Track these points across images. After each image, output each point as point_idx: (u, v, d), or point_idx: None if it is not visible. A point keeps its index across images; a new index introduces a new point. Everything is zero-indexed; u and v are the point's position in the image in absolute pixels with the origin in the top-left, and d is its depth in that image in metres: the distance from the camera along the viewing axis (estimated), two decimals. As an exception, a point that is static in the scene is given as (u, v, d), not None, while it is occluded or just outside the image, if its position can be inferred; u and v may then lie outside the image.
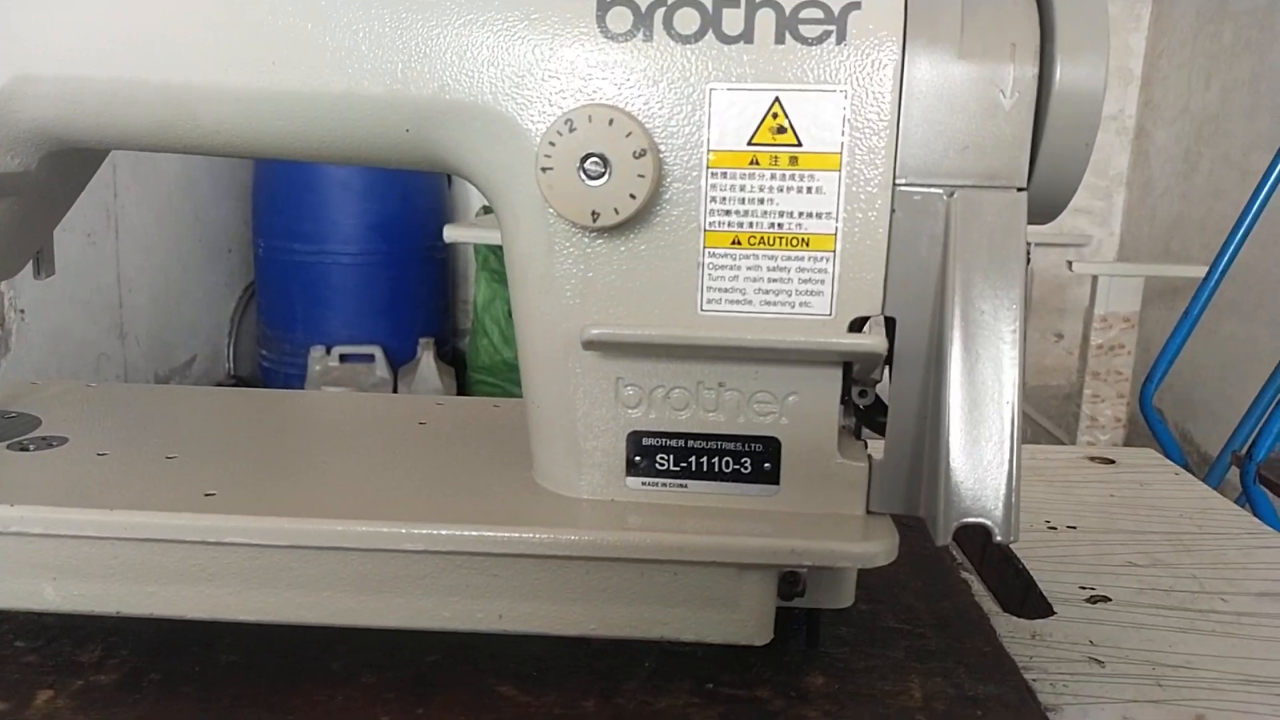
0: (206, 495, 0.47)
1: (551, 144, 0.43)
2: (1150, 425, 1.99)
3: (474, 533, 0.44)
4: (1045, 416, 3.10)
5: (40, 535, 0.45)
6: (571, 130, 0.43)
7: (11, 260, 0.55)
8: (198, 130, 0.47)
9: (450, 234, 2.45)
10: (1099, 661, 0.55)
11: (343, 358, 2.99)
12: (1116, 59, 3.39)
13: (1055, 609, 0.61)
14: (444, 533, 0.44)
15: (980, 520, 0.43)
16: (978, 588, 0.64)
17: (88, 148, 0.52)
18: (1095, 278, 2.67)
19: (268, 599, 0.46)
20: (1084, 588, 0.65)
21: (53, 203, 0.55)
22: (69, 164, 0.53)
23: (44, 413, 0.58)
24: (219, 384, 3.18)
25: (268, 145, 0.48)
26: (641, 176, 0.43)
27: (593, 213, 0.43)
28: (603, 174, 0.43)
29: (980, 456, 0.43)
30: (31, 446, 0.53)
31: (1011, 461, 0.43)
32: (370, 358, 3.01)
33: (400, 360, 3.09)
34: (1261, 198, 1.88)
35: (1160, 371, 1.96)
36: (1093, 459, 0.91)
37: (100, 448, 0.53)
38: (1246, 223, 1.90)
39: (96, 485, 0.48)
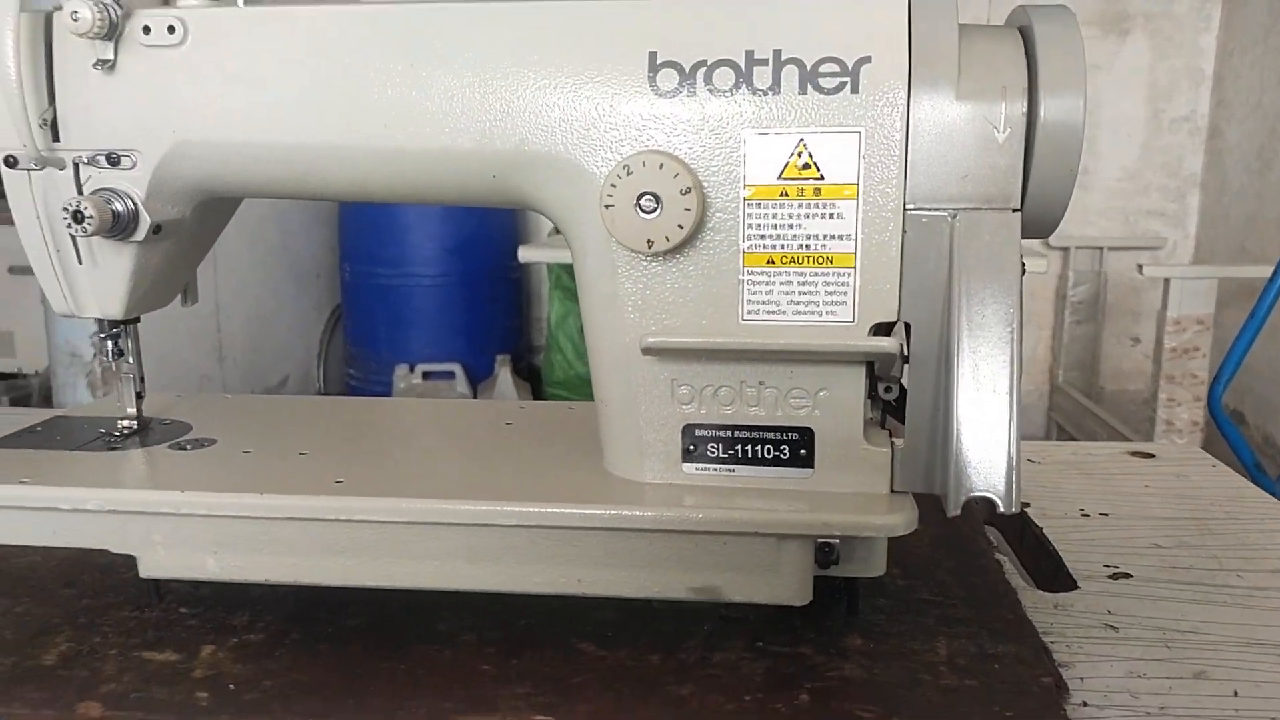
0: (337, 482, 0.57)
1: (613, 185, 0.52)
2: (1219, 425, 1.99)
3: (558, 509, 0.53)
4: (1123, 422, 3.06)
5: (205, 516, 0.56)
6: (629, 174, 0.51)
7: (167, 293, 0.66)
8: (322, 182, 0.57)
9: (525, 254, 2.56)
10: (1113, 627, 0.61)
11: (425, 375, 3.13)
12: (1186, 59, 3.36)
13: (1079, 583, 0.68)
14: (533, 509, 0.53)
15: (985, 494, 0.50)
16: (1009, 567, 0.71)
17: (230, 197, 0.63)
18: (1167, 281, 2.66)
19: (388, 568, 0.56)
20: (1108, 565, 0.71)
21: (199, 243, 0.66)
22: (213, 211, 0.64)
23: (192, 420, 0.69)
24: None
25: (378, 193, 0.58)
26: (688, 210, 0.51)
27: (648, 241, 0.52)
28: (655, 209, 0.52)
29: (984, 439, 0.50)
30: (188, 447, 0.64)
31: (1010, 443, 0.50)
32: (451, 374, 3.14)
33: (479, 376, 3.22)
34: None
35: (1228, 373, 1.96)
36: (1134, 453, 0.97)
37: (244, 447, 0.63)
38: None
39: (247, 476, 0.58)
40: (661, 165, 0.51)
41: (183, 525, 0.56)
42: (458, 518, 0.54)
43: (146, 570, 0.58)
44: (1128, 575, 0.69)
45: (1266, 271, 2.25)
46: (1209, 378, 2.55)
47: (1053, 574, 0.73)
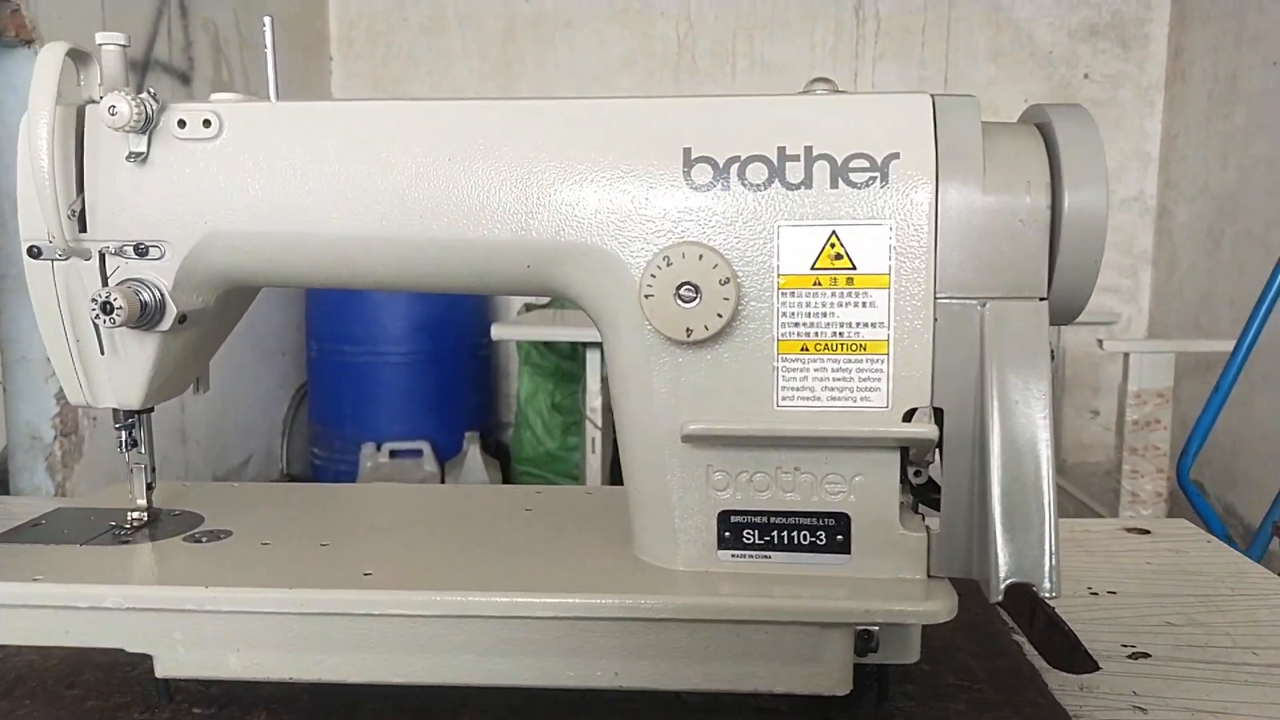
0: (365, 574, 0.56)
1: (653, 275, 0.52)
2: (1189, 498, 2.03)
3: (599, 600, 0.53)
4: (1086, 493, 3.10)
5: (230, 613, 0.54)
6: (668, 264, 0.52)
7: (182, 381, 0.65)
8: (354, 273, 0.58)
9: (498, 332, 2.57)
10: (1142, 709, 0.62)
11: (392, 453, 3.09)
12: (1133, 143, 3.51)
13: (1100, 664, 0.68)
14: (574, 600, 0.53)
15: (1027, 580, 0.51)
16: (1028, 649, 0.71)
17: (254, 285, 0.62)
18: (1127, 355, 2.72)
19: (417, 663, 0.55)
20: (1125, 645, 0.71)
21: (219, 332, 0.65)
22: (235, 299, 0.64)
23: (203, 510, 0.67)
24: (274, 482, 3.29)
25: (410, 282, 0.58)
26: (726, 299, 0.52)
27: (687, 330, 0.53)
28: (694, 298, 0.52)
29: (1023, 526, 0.51)
30: (204, 539, 0.62)
31: (1048, 529, 0.51)
32: (419, 452, 3.11)
33: (447, 454, 3.19)
34: (1283, 273, 1.95)
35: (1195, 446, 2.00)
36: (1129, 529, 0.98)
37: (262, 538, 0.62)
38: (1270, 297, 1.97)
39: (271, 570, 0.57)
40: (701, 256, 0.52)
41: (205, 622, 0.55)
42: (496, 610, 0.53)
43: (164, 670, 0.56)
44: (1146, 655, 0.70)
45: (1223, 345, 2.32)
46: (1170, 449, 2.60)
47: (1069, 654, 0.73)
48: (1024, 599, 0.83)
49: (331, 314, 3.13)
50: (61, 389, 0.60)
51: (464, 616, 0.54)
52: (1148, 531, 0.97)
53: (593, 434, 2.58)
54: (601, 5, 3.52)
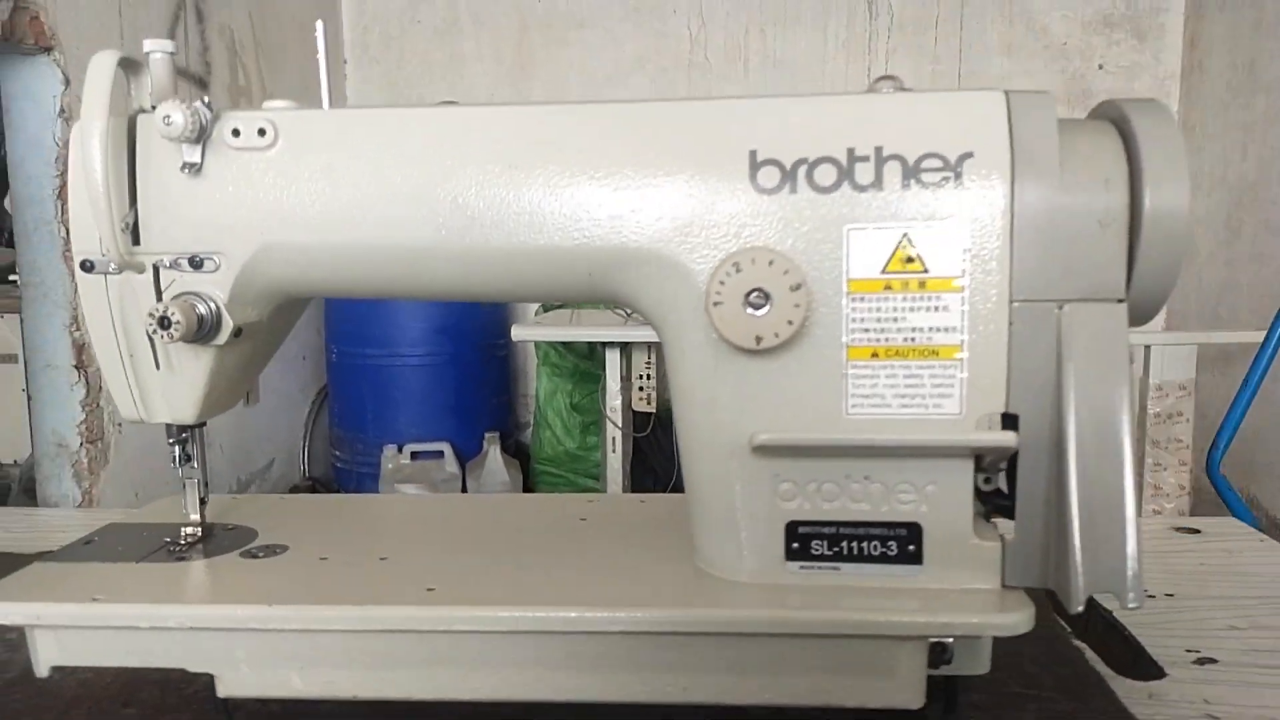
0: (429, 590, 0.55)
1: (721, 282, 0.51)
2: (1220, 493, 2.01)
3: (670, 613, 0.52)
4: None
5: (294, 631, 0.53)
6: (738, 271, 0.51)
7: (234, 395, 0.64)
8: (413, 282, 0.57)
9: (517, 333, 2.56)
10: (1216, 718, 0.60)
11: (413, 455, 3.09)
12: (1150, 132, 3.47)
13: (1166, 671, 0.67)
14: (642, 614, 0.52)
15: (1108, 591, 0.50)
16: (1091, 655, 0.70)
17: (309, 296, 0.62)
18: (1148, 348, 2.70)
19: (483, 679, 0.54)
20: (1190, 650, 0.70)
21: (271, 344, 0.64)
22: (288, 310, 0.63)
23: (256, 524, 0.66)
24: (295, 486, 3.29)
25: (470, 292, 0.57)
26: (797, 306, 0.51)
27: (756, 338, 0.51)
28: (765, 305, 0.51)
29: (1104, 535, 0.50)
30: (260, 554, 0.61)
31: (1130, 536, 0.49)
32: (440, 454, 3.10)
33: (468, 455, 3.18)
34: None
35: (1225, 439, 1.99)
36: (1178, 529, 0.96)
37: (319, 553, 0.61)
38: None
39: (333, 586, 0.56)
40: (771, 262, 0.51)
41: (268, 640, 0.54)
42: (563, 625, 0.52)
43: (226, 689, 0.55)
44: (1213, 660, 0.68)
45: (1243, 337, 2.30)
46: (1193, 442, 2.58)
47: (1132, 660, 0.71)
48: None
49: (350, 318, 3.13)
50: (86, 396, 0.60)
51: (531, 633, 0.53)
52: (1198, 531, 0.96)
53: (613, 433, 2.58)
54: (614, 4, 3.51)
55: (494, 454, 3.17)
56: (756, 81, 3.53)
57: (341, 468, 3.24)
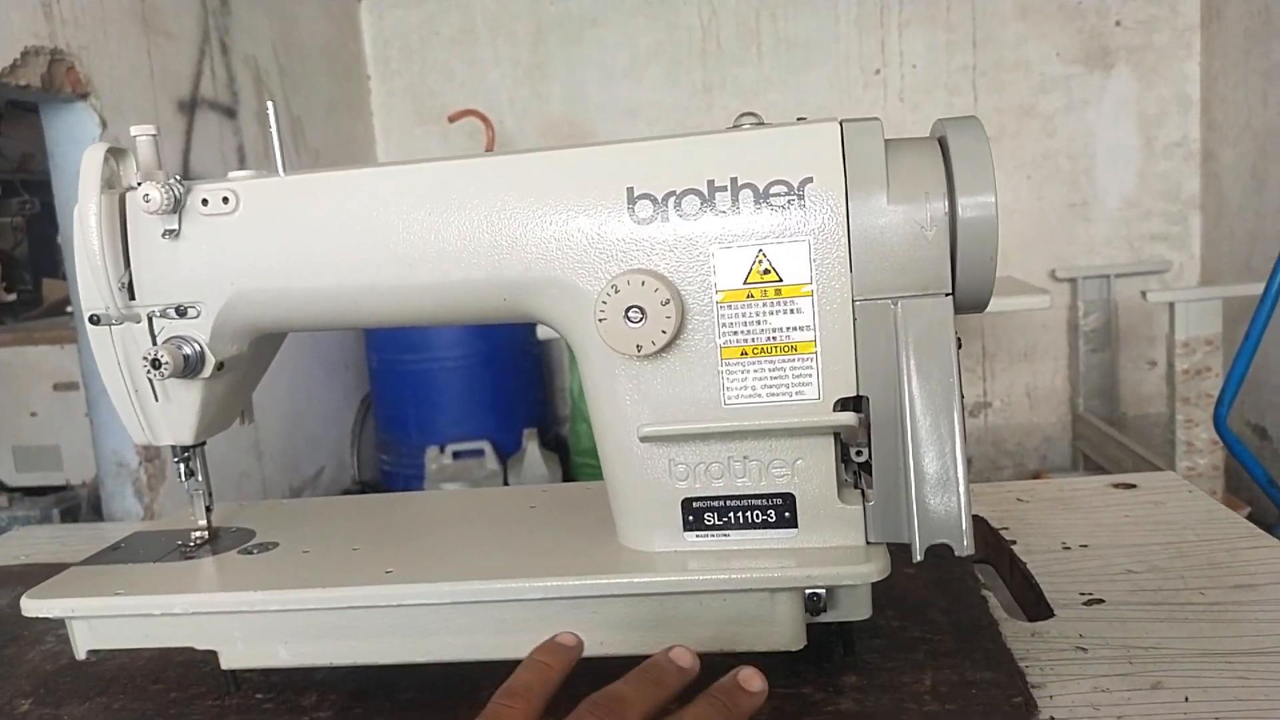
0: (387, 572, 0.65)
1: (604, 302, 0.61)
2: (1228, 445, 2.04)
3: (579, 581, 0.62)
4: (1146, 446, 3.08)
5: (277, 611, 0.64)
6: (616, 291, 0.61)
7: (228, 417, 0.76)
8: (357, 317, 0.67)
9: (544, 331, 2.67)
10: (1083, 649, 0.69)
11: (455, 455, 3.23)
12: (1173, 87, 3.45)
13: (1055, 611, 0.75)
14: (556, 583, 0.62)
15: (944, 541, 0.59)
16: (994, 602, 0.78)
17: (280, 331, 0.73)
18: (1172, 305, 2.72)
19: (434, 644, 0.65)
20: (1083, 593, 0.78)
21: (255, 372, 0.76)
22: (265, 343, 0.74)
23: (255, 526, 0.78)
24: (346, 490, 3.45)
25: (405, 319, 0.68)
26: (668, 318, 0.61)
27: (637, 346, 0.61)
28: (641, 319, 0.61)
29: (938, 493, 0.58)
30: (255, 551, 0.73)
31: (960, 494, 0.58)
32: (481, 452, 3.23)
33: (508, 451, 3.31)
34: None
35: (1230, 393, 2.02)
36: (1116, 485, 1.04)
37: (303, 547, 0.73)
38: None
39: (309, 573, 0.67)
40: (643, 282, 0.61)
41: (257, 620, 0.65)
42: (497, 595, 0.63)
43: (227, 662, 0.67)
44: (1100, 601, 0.76)
45: (1257, 289, 2.31)
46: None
47: (1034, 604, 0.80)
48: (1004, 558, 0.90)
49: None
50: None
51: (470, 603, 0.63)
52: (1134, 486, 1.03)
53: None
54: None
55: (532, 449, 3.29)
56: (770, 65, 3.58)
57: (389, 471, 3.39)
